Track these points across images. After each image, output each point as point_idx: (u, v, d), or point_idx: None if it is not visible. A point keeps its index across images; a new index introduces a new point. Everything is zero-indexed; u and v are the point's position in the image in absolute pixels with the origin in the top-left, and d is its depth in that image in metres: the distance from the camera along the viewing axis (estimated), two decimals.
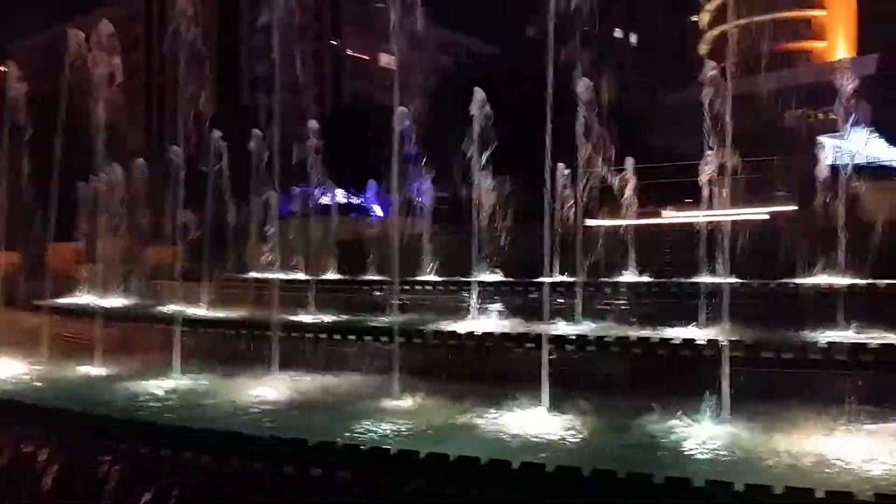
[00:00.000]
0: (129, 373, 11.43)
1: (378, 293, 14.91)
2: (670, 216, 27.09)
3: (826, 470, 6.40)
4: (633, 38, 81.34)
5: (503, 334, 10.58)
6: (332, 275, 18.56)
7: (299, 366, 10.79)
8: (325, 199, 23.60)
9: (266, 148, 16.00)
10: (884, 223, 13.64)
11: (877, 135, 32.95)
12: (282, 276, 14.83)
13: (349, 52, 75.63)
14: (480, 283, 13.62)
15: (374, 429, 7.88)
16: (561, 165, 15.22)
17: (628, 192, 17.91)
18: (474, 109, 13.98)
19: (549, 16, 9.44)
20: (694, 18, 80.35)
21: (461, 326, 11.69)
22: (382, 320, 12.61)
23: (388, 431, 7.82)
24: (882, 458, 6.60)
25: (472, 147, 14.32)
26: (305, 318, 13.27)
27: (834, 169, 18.00)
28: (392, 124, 11.49)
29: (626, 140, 17.63)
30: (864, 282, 11.83)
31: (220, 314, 14.60)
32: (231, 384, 10.34)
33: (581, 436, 7.64)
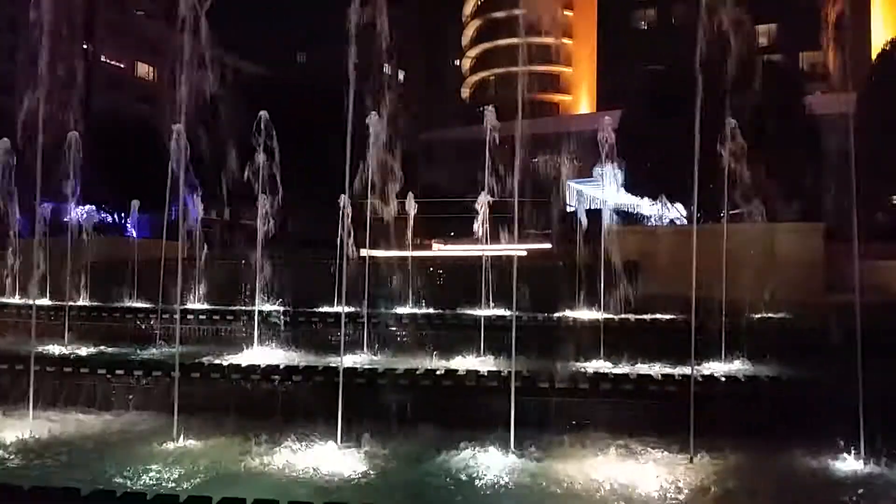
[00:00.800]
0: None
1: (144, 322, 13.81)
2: (440, 249, 28.19)
3: (597, 494, 6.98)
4: (401, 76, 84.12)
5: (290, 367, 10.24)
6: (86, 301, 16.83)
7: (60, 404, 9.61)
8: (73, 216, 21.43)
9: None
10: (629, 263, 15.30)
11: (620, 182, 37.05)
12: (26, 301, 13.20)
13: (103, 58, 69.64)
14: (260, 313, 13.11)
15: (155, 474, 7.23)
16: (343, 196, 15.24)
17: (405, 224, 18.37)
18: (255, 131, 13.52)
19: (349, 48, 9.39)
20: (457, 63, 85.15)
21: (243, 359, 11.17)
22: (153, 352, 11.69)
23: (171, 476, 7.19)
24: (643, 480, 7.31)
25: (247, 170, 13.82)
26: (63, 350, 11.90)
27: (582, 211, 20.03)
28: (156, 140, 10.75)
29: (396, 173, 18.08)
30: (619, 317, 13.14)
31: None
32: None
33: (376, 471, 7.60)
